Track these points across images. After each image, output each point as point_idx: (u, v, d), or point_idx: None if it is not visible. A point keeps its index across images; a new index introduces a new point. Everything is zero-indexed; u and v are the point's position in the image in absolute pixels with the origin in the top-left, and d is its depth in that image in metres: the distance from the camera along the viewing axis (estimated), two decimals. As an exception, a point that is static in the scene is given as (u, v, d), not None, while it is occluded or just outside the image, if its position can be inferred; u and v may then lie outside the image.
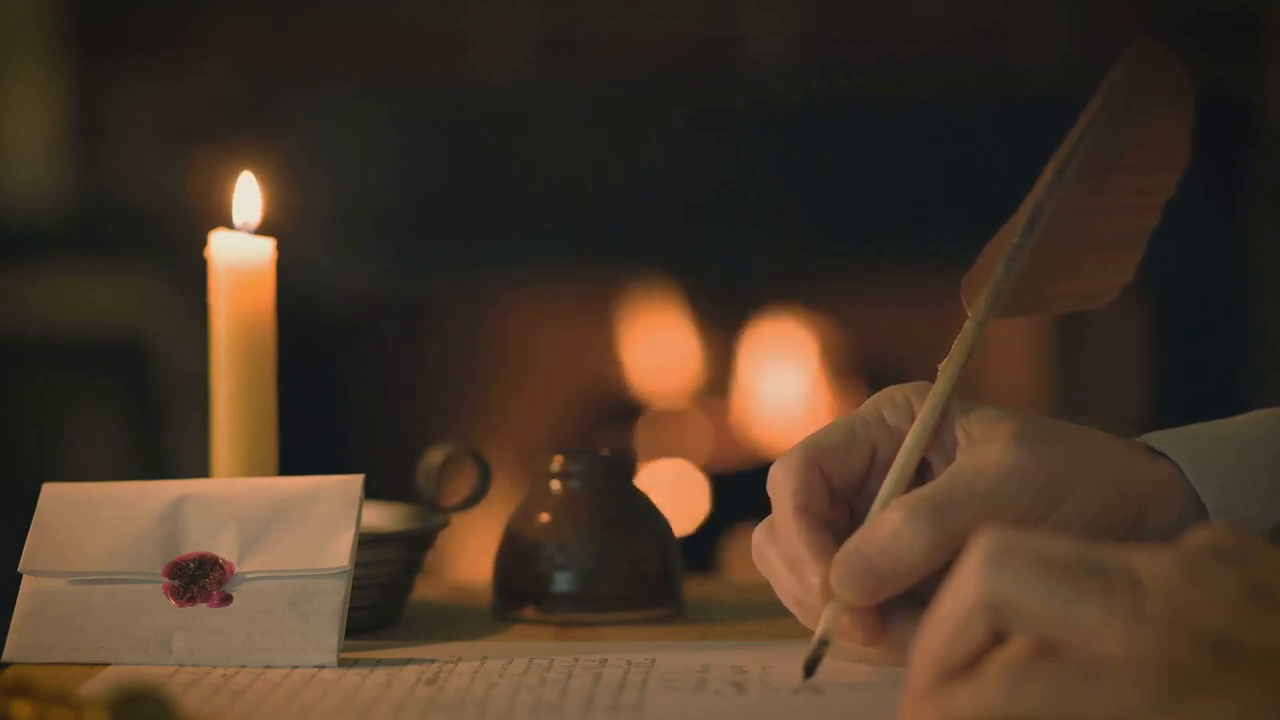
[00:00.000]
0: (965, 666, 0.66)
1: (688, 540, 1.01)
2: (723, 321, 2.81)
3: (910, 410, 0.87)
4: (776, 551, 0.86)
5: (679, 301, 2.80)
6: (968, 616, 0.66)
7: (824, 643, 0.82)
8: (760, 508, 0.88)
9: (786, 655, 0.87)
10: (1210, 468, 0.86)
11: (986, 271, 0.89)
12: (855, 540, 0.82)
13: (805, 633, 0.93)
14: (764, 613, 0.99)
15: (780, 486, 0.86)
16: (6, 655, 0.87)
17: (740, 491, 2.74)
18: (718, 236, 2.68)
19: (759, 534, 0.88)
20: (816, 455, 0.86)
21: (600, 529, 0.98)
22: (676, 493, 2.65)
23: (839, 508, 0.87)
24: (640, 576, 0.98)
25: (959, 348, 0.88)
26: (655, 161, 2.66)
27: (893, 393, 0.88)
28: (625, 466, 1.00)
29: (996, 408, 0.87)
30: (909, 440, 0.86)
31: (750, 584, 1.10)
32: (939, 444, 0.87)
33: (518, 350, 2.88)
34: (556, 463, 0.99)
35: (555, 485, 0.99)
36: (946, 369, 0.87)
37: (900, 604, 0.84)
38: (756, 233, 2.67)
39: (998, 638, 0.66)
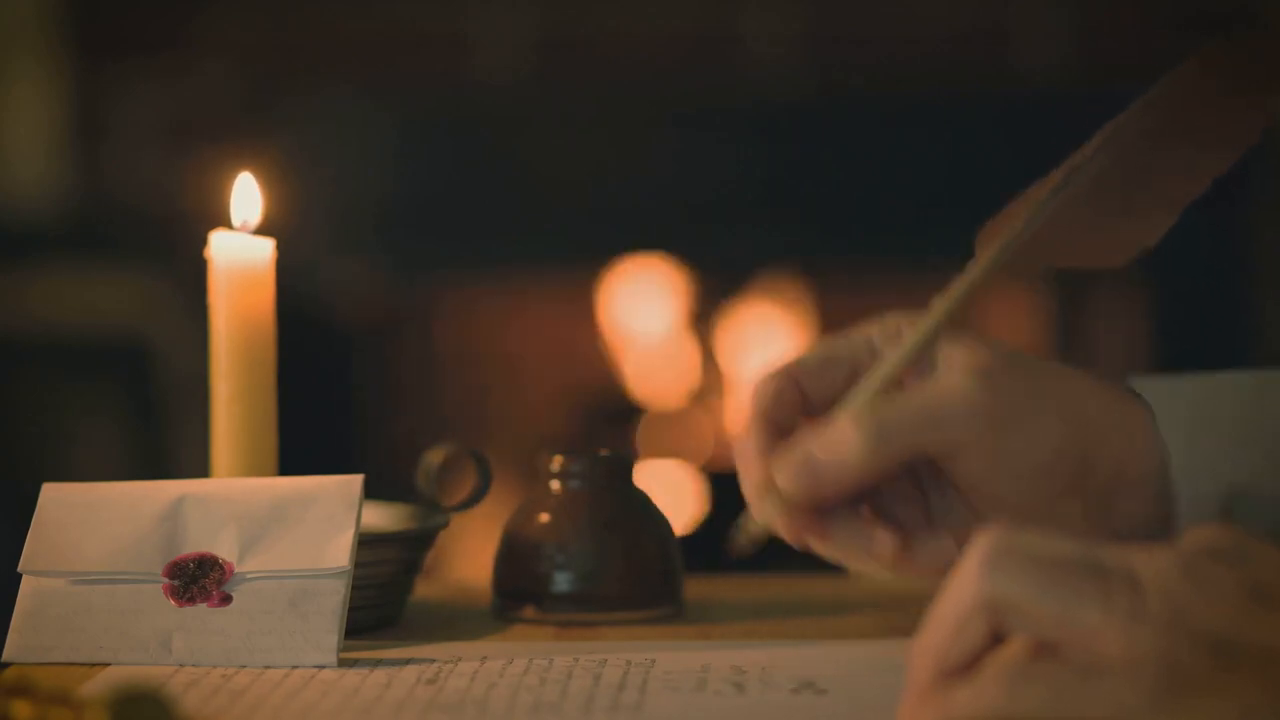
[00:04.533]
0: (964, 667, 0.66)
1: (688, 540, 1.00)
2: (722, 320, 2.81)
3: (898, 336, 0.89)
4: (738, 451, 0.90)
5: (678, 300, 2.80)
6: (967, 616, 0.66)
7: (746, 530, 0.86)
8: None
9: (786, 655, 0.87)
10: (1180, 416, 0.88)
11: (1008, 220, 0.90)
12: (803, 438, 0.86)
13: (806, 633, 0.94)
14: (764, 613, 0.99)
15: (757, 394, 0.90)
16: (6, 655, 0.87)
17: (740, 491, 2.74)
18: (717, 236, 2.68)
19: (738, 436, 0.91)
20: (796, 370, 0.90)
21: (600, 529, 0.98)
22: (676, 493, 2.65)
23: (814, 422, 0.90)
24: (640, 576, 0.98)
25: (959, 285, 0.89)
26: (655, 161, 2.66)
27: (889, 318, 0.91)
28: (625, 466, 1.00)
29: (985, 339, 0.89)
30: (886, 359, 0.88)
31: (751, 584, 1.10)
32: (921, 371, 0.88)
33: (518, 350, 2.88)
34: (556, 463, 0.99)
35: (555, 485, 0.99)
36: (940, 302, 0.89)
37: (841, 508, 0.87)
38: (756, 232, 2.67)
39: (996, 638, 0.66)
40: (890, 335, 0.90)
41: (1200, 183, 0.91)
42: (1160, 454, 0.87)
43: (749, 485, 0.89)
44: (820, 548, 0.88)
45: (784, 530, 0.87)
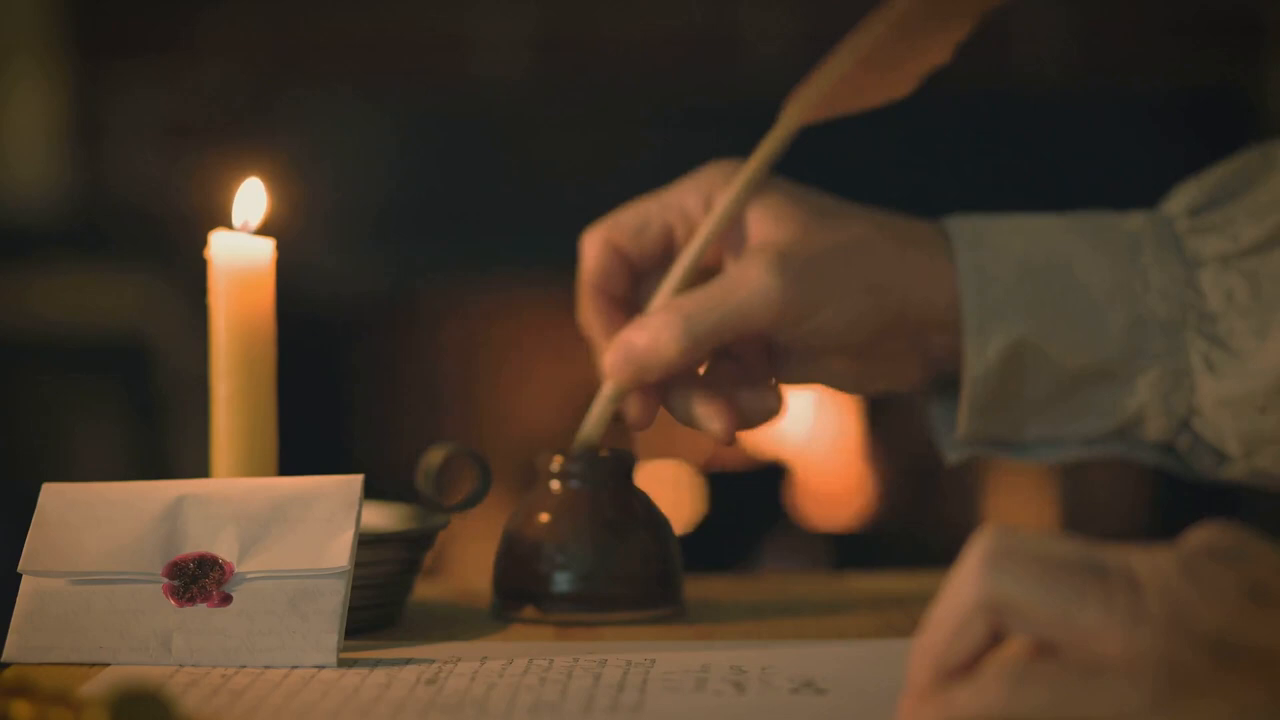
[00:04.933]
0: (964, 667, 0.66)
1: (688, 540, 1.01)
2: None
3: (709, 199, 0.99)
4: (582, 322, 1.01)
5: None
6: (967, 617, 0.66)
7: (595, 431, 0.98)
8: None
9: (786, 655, 0.87)
10: (982, 267, 0.97)
11: (807, 85, 1.00)
12: (626, 331, 0.97)
13: (805, 633, 0.94)
14: (764, 613, 0.99)
15: (582, 263, 1.01)
16: (6, 655, 0.87)
17: (740, 491, 2.74)
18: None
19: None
20: (615, 235, 1.00)
21: (600, 529, 0.98)
22: (676, 493, 2.65)
23: (647, 286, 1.01)
24: (640, 576, 0.98)
25: (763, 148, 0.99)
26: (654, 161, 2.66)
27: (702, 175, 1.01)
28: (625, 466, 1.00)
29: (787, 200, 0.98)
30: (694, 241, 0.98)
31: (751, 584, 1.10)
32: (735, 235, 0.99)
33: (518, 350, 2.88)
34: (556, 463, 0.99)
35: (555, 485, 0.99)
36: (745, 169, 0.98)
37: (678, 385, 0.98)
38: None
39: (996, 638, 0.66)
40: (701, 193, 0.99)
41: (947, 49, 1.03)
42: (953, 299, 0.97)
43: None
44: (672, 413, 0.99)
45: (628, 410, 0.99)
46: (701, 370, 1.00)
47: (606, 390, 0.98)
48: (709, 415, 0.99)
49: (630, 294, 1.01)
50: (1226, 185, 0.99)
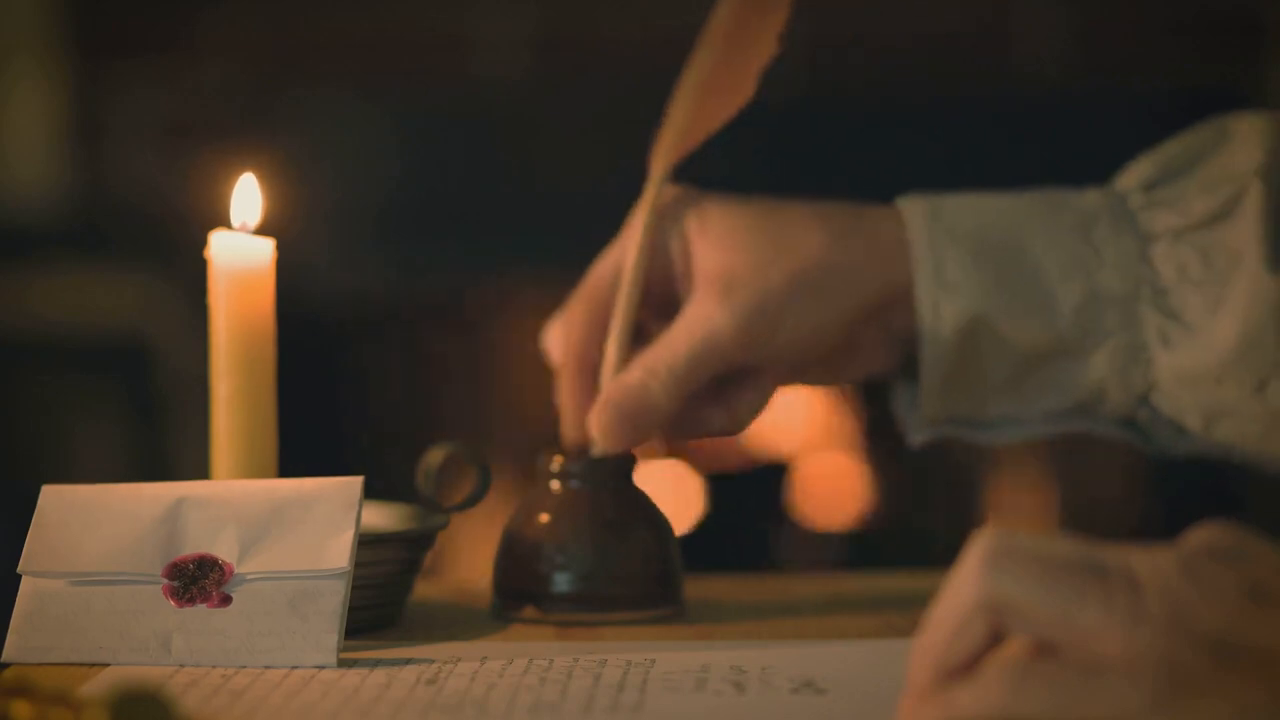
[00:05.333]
0: (964, 667, 0.66)
1: (688, 540, 1.00)
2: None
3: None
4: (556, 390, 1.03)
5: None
6: (967, 617, 0.66)
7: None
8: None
9: (786, 655, 0.87)
10: (936, 250, 0.99)
11: (661, 134, 1.04)
12: (608, 399, 0.98)
13: (805, 633, 0.94)
14: (764, 613, 0.99)
15: (566, 330, 1.03)
16: (6, 655, 0.87)
17: (740, 491, 2.74)
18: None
19: (551, 332, 1.05)
20: (595, 299, 1.02)
21: (600, 529, 0.98)
22: (676, 493, 2.65)
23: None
24: (640, 576, 0.98)
25: (642, 206, 1.01)
26: (655, 161, 2.65)
27: (626, 232, 1.03)
28: (625, 466, 1.00)
29: (725, 217, 1.00)
30: (620, 305, 1.00)
31: (751, 584, 1.10)
32: (683, 258, 1.00)
33: (518, 350, 2.87)
34: (556, 463, 0.99)
35: (555, 485, 0.99)
36: (635, 230, 1.01)
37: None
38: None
39: (996, 638, 0.66)
40: (665, 225, 1.01)
41: (773, 42, 1.07)
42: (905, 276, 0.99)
43: (569, 436, 1.01)
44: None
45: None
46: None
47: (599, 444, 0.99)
48: (706, 421, 1.01)
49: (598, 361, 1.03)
50: (1180, 159, 1.00)
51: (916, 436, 1.03)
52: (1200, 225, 0.98)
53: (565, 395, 1.02)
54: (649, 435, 0.98)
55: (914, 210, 1.00)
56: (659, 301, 1.02)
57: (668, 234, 1.01)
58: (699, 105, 1.03)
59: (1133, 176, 1.01)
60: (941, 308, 0.98)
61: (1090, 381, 0.99)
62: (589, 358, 1.02)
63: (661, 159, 1.03)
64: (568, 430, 1.02)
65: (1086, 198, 1.00)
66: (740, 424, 1.01)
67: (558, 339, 1.04)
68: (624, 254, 1.02)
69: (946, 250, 0.98)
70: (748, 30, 1.03)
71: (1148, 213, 0.99)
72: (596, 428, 0.98)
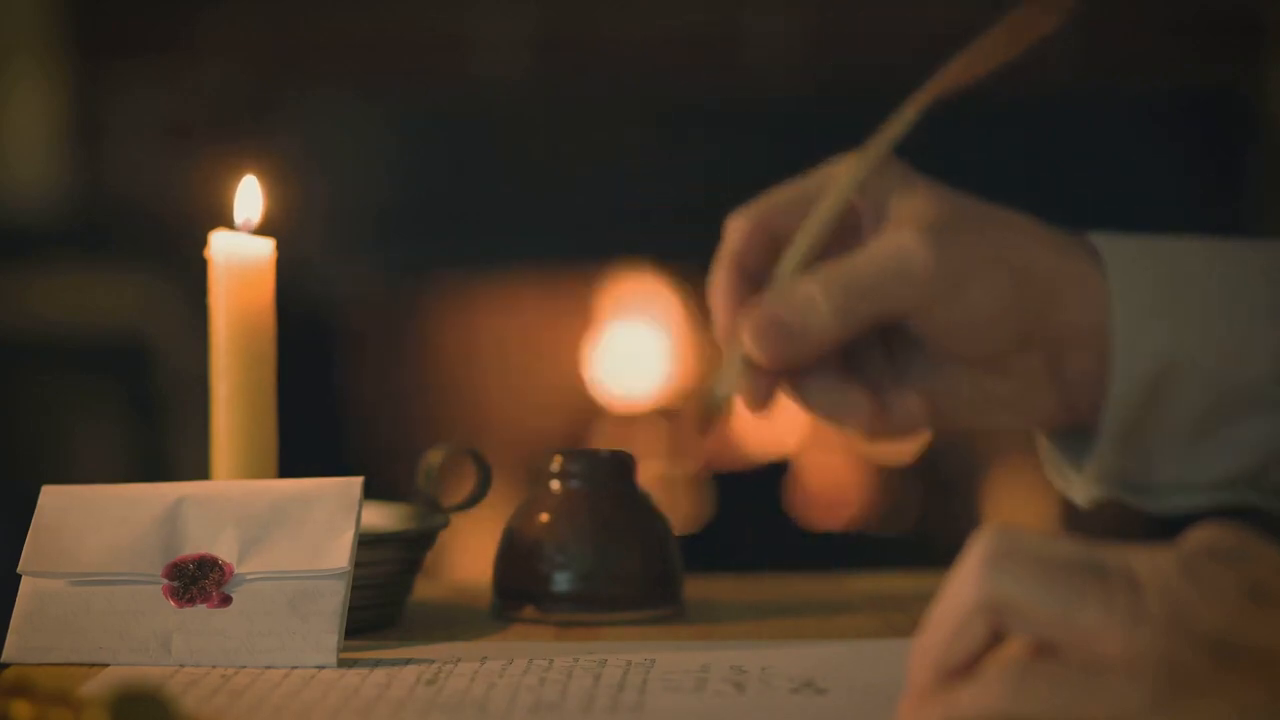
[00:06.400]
0: (964, 667, 0.66)
1: (688, 540, 1.01)
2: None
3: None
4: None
5: (678, 301, 2.80)
6: (967, 617, 0.66)
7: (720, 391, 0.89)
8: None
9: (786, 655, 0.87)
10: (1134, 282, 0.92)
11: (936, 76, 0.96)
12: (769, 303, 0.89)
13: (805, 633, 0.94)
14: (764, 613, 0.99)
15: (728, 234, 0.94)
16: (6, 655, 0.87)
17: (740, 491, 2.74)
18: (717, 237, 2.68)
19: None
20: (768, 213, 0.93)
21: (600, 529, 0.98)
22: (676, 493, 2.65)
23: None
24: (640, 576, 0.98)
25: (888, 129, 0.93)
26: (654, 161, 2.66)
27: (847, 157, 0.94)
28: (625, 466, 1.00)
29: (937, 189, 0.93)
30: (822, 207, 0.92)
31: (751, 584, 1.10)
32: (876, 214, 0.93)
33: (518, 350, 2.88)
34: (556, 463, 0.99)
35: (555, 485, 0.99)
36: (869, 147, 0.93)
37: (815, 370, 0.91)
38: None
39: (996, 638, 0.66)
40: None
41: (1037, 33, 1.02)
42: (1108, 310, 0.92)
43: (719, 338, 0.92)
44: (800, 404, 0.92)
45: (749, 393, 0.91)
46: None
47: (731, 367, 0.91)
48: (854, 404, 0.93)
49: (764, 274, 0.94)
50: None
51: (1081, 496, 0.97)
52: None
53: (718, 294, 0.93)
54: (801, 357, 0.89)
55: (1108, 245, 0.94)
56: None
57: (880, 177, 0.93)
58: (970, 59, 0.96)
59: None
60: (1135, 346, 0.92)
61: (1272, 440, 0.93)
62: (748, 260, 0.93)
63: (922, 97, 0.95)
64: (718, 333, 0.93)
65: (1275, 245, 0.95)
66: (880, 429, 0.93)
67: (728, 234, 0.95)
68: (836, 171, 0.93)
69: (1143, 288, 0.92)
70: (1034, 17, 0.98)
71: None
72: (748, 334, 0.89)
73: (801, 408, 0.93)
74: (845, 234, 0.93)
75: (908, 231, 0.90)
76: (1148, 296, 0.92)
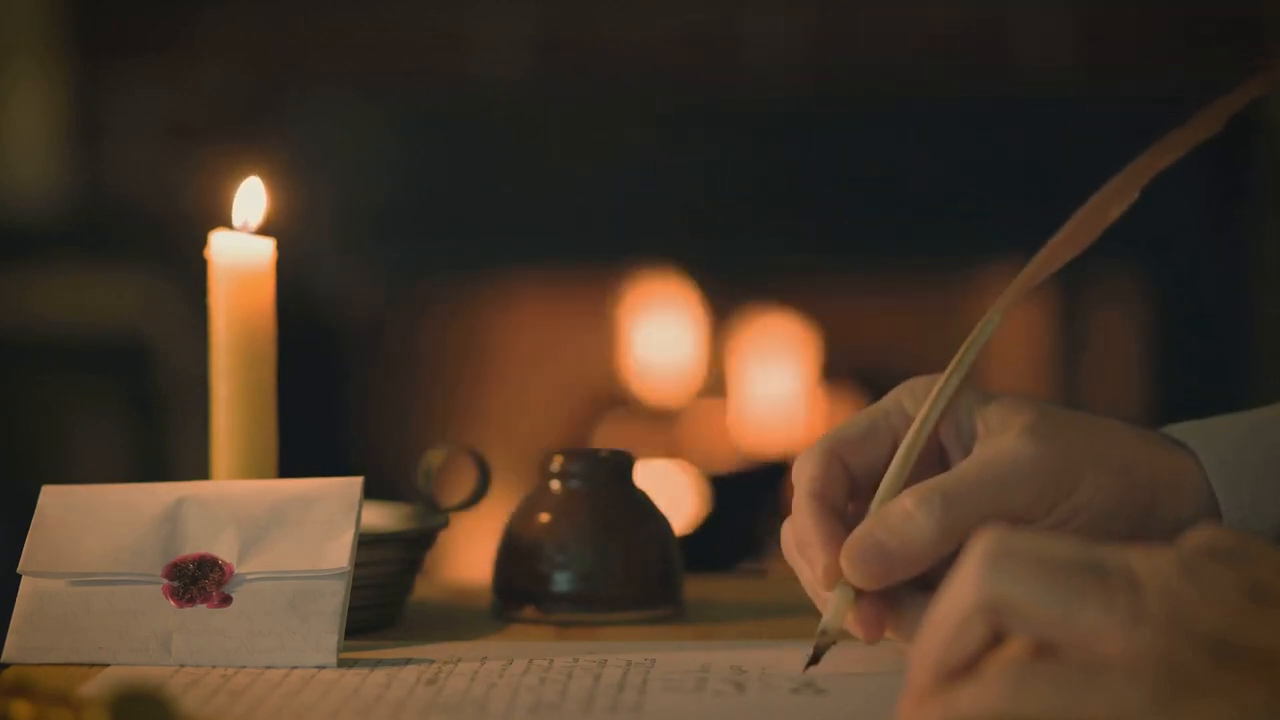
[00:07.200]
0: (964, 667, 0.66)
1: (688, 540, 1.01)
2: (722, 321, 2.81)
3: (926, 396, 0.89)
4: (793, 539, 0.88)
5: (678, 301, 2.80)
6: (967, 617, 0.66)
7: (824, 633, 0.83)
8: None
9: (786, 655, 0.87)
10: (1228, 461, 0.88)
11: (1017, 280, 0.91)
12: (866, 525, 0.85)
13: (805, 633, 0.93)
14: (764, 613, 0.99)
15: (799, 475, 0.89)
16: (6, 655, 0.87)
17: (740, 491, 2.74)
18: (716, 235, 2.68)
19: (786, 524, 0.89)
20: (838, 447, 0.89)
21: (600, 529, 0.98)
22: (676, 493, 2.65)
23: (861, 502, 0.89)
24: (640, 576, 0.98)
25: (973, 337, 0.90)
26: (654, 161, 2.66)
27: (914, 383, 0.90)
28: (625, 466, 1.00)
29: (1017, 397, 0.89)
30: (914, 427, 0.88)
31: (751, 584, 1.10)
32: (958, 434, 0.89)
33: (517, 350, 2.88)
34: (556, 463, 0.99)
35: (555, 485, 0.99)
36: (957, 359, 0.89)
37: (909, 592, 0.86)
38: (756, 232, 2.67)
39: (996, 638, 0.66)
40: (919, 398, 0.89)
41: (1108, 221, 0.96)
42: (1208, 498, 0.88)
43: (809, 577, 0.87)
44: (895, 636, 0.86)
45: (856, 623, 0.86)
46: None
47: (835, 601, 0.86)
48: None
49: (845, 507, 0.90)
50: None
51: None
52: None
53: (810, 534, 0.87)
54: (906, 573, 0.85)
55: (1187, 432, 0.91)
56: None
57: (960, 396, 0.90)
58: (1050, 256, 0.92)
59: None
60: (1249, 526, 0.88)
61: None
62: (828, 496, 0.88)
63: (1007, 298, 0.92)
64: (816, 574, 0.87)
65: None
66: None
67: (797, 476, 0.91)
68: (900, 394, 0.90)
69: (1239, 466, 0.89)
70: (1109, 205, 0.95)
71: None
72: (845, 560, 0.85)
73: (875, 638, 0.87)
74: (923, 467, 0.89)
75: (1012, 435, 0.86)
76: (1246, 474, 0.89)
